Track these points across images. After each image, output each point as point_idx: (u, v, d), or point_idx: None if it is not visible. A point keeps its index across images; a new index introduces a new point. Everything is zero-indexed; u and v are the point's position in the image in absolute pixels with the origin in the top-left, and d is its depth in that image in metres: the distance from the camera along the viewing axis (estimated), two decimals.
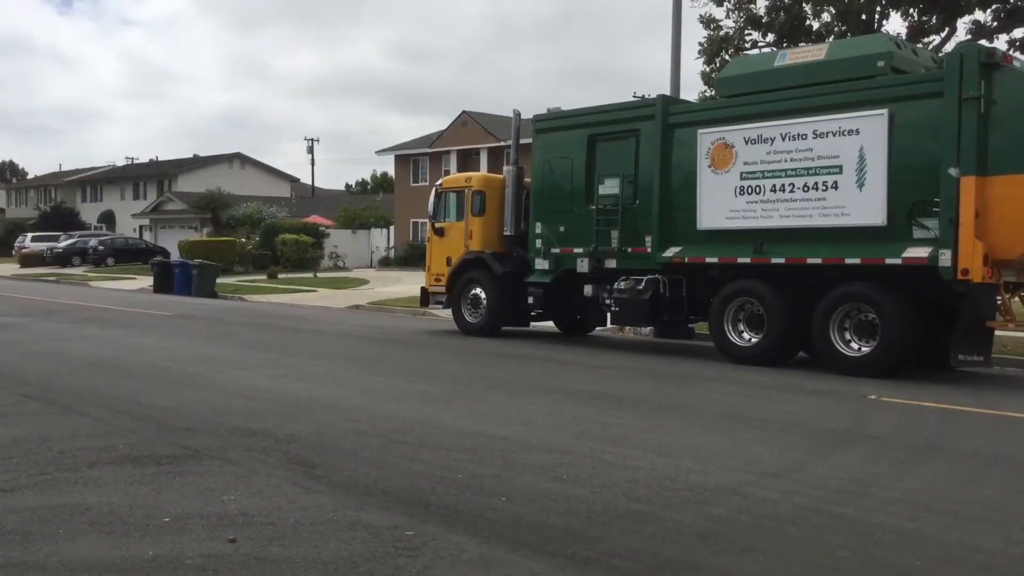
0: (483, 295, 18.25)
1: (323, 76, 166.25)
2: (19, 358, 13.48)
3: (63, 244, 54.12)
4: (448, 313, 19.73)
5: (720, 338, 14.74)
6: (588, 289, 16.81)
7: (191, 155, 79.52)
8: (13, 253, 59.21)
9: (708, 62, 25.42)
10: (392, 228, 54.90)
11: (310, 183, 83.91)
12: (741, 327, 14.54)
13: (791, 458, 7.70)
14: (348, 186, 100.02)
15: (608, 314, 16.79)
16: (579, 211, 16.78)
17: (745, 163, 14.17)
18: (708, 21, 25.58)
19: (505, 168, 19.03)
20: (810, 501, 6.31)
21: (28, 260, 52.14)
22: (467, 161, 48.97)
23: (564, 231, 17.09)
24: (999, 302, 12.32)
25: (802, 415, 10.23)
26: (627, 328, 19.24)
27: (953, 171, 11.86)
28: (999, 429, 9.76)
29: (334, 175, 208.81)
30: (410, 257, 48.76)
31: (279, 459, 7.31)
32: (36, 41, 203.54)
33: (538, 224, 17.59)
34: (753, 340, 14.30)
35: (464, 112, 50.07)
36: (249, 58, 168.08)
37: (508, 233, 18.32)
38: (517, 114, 19.22)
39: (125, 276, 43.42)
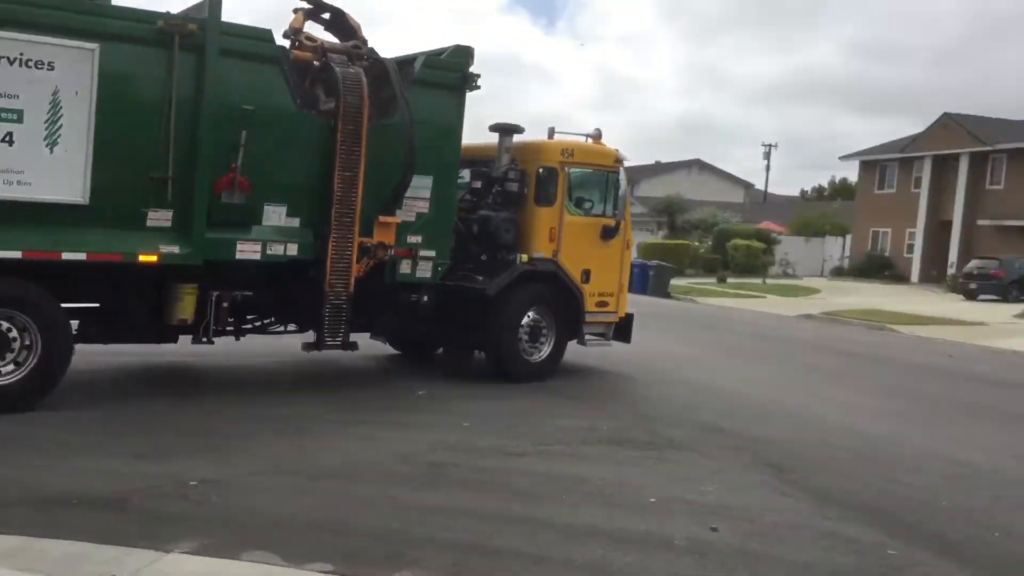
0: None
1: (777, 81, 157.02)
2: None
3: None
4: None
5: None
6: None
7: (652, 161, 79.97)
8: None
9: None
10: (848, 237, 51.63)
11: (763, 189, 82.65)
12: None
13: None
14: (803, 192, 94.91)
15: None
16: None
17: None
18: None
19: None
20: None
21: None
22: (943, 167, 43.99)
23: None
24: None
25: None
26: None
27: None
28: None
29: (787, 181, 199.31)
30: (866, 268, 45.90)
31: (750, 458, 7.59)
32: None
33: None
34: None
35: (945, 114, 44.39)
36: (705, 65, 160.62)
37: None
38: None
39: None
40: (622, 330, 11.92)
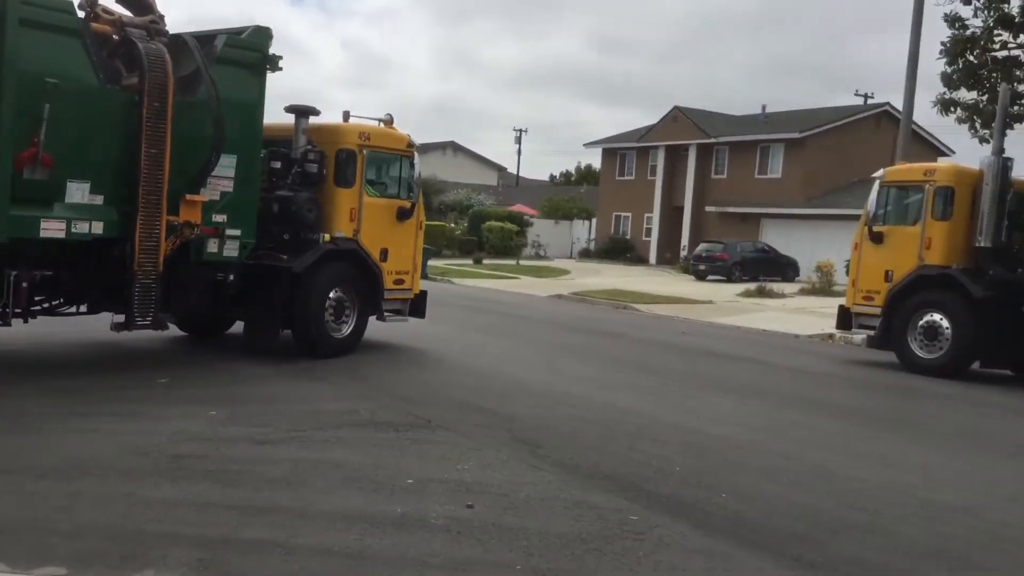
0: (945, 324, 14.07)
1: (527, 67, 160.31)
2: None
3: None
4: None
5: None
6: None
7: None
8: None
9: (950, 63, 22.99)
10: (594, 220, 53.94)
11: (515, 172, 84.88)
12: None
13: None
14: (552, 177, 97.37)
15: None
16: None
17: None
18: (953, 20, 23.06)
19: (983, 160, 14.51)
20: None
21: None
22: (675, 157, 47.37)
23: None
24: None
25: None
26: None
27: None
28: None
29: (538, 165, 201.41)
30: (610, 250, 48.65)
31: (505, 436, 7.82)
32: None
33: None
34: None
35: (676, 107, 48.01)
36: (458, 48, 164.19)
37: (982, 244, 14.23)
38: None
39: None
40: (417, 306, 12.63)
